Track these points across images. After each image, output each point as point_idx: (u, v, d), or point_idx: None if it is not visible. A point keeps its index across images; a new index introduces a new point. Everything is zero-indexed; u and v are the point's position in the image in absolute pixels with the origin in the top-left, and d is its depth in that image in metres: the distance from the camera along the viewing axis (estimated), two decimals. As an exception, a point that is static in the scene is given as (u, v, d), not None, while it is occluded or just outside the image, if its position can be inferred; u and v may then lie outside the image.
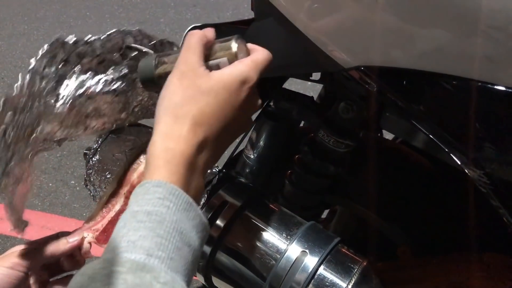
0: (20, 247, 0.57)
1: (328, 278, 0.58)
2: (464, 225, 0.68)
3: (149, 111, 0.70)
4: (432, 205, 0.74)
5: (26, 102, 0.53)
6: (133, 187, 0.63)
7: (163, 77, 0.48)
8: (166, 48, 0.63)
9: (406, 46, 0.47)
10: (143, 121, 0.74)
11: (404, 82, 0.48)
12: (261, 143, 0.75)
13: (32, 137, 0.54)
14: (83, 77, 0.57)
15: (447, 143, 0.46)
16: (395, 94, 0.49)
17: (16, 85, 0.52)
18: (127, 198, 0.63)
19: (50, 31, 3.62)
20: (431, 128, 0.48)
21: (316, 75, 0.71)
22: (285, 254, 0.59)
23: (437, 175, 0.76)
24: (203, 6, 3.73)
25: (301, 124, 0.82)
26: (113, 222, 0.61)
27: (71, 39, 0.55)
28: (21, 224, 0.57)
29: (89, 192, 0.73)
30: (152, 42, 0.61)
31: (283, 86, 0.76)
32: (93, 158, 0.69)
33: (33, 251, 0.56)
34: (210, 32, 0.50)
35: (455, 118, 0.47)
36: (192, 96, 0.45)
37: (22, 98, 0.52)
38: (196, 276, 0.65)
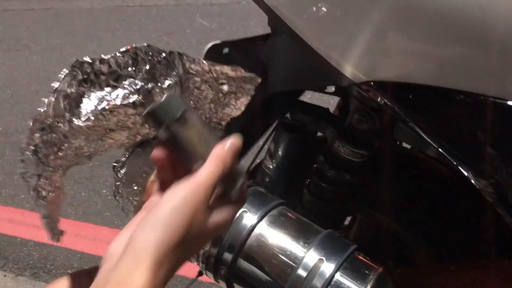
0: (68, 277, 0.57)
1: (345, 285, 0.59)
2: (483, 232, 0.68)
3: None
4: (451, 212, 0.75)
5: (52, 122, 0.57)
6: (155, 198, 0.66)
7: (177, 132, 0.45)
8: (177, 60, 0.66)
9: (414, 63, 0.49)
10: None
11: (411, 96, 0.50)
12: (279, 153, 0.77)
13: (60, 153, 0.58)
14: (102, 93, 0.62)
15: (454, 154, 0.48)
16: (403, 108, 0.51)
17: (43, 107, 0.56)
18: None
19: (82, 44, 3.76)
20: (439, 140, 0.50)
21: (331, 87, 0.73)
22: (303, 261, 0.61)
23: (455, 182, 0.77)
24: (228, 16, 3.79)
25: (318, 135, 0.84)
26: None
27: (87, 59, 0.60)
28: (57, 233, 0.61)
29: (117, 204, 0.77)
30: (162, 55, 0.64)
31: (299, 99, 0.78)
32: (121, 171, 0.72)
33: (82, 280, 0.58)
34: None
35: (460, 130, 0.49)
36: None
37: (48, 118, 0.57)
38: (218, 282, 0.68)
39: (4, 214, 1.89)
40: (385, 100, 0.52)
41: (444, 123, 0.50)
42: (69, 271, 1.59)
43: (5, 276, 1.61)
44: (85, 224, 1.78)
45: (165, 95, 0.48)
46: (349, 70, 0.55)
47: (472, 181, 0.47)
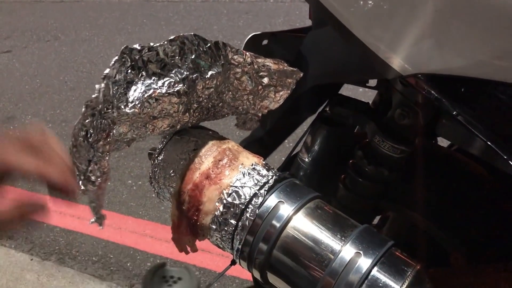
0: None
1: (381, 280, 0.59)
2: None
3: (208, 113, 0.74)
4: (488, 213, 0.73)
5: (102, 108, 0.58)
6: (195, 185, 0.67)
7: None
8: (221, 50, 0.66)
9: (465, 55, 0.48)
10: (204, 124, 0.79)
11: (462, 89, 0.49)
12: (316, 147, 0.77)
13: (109, 138, 0.59)
14: (149, 81, 0.62)
15: (505, 149, 0.47)
16: (452, 101, 0.50)
17: (95, 93, 0.57)
18: (190, 196, 0.67)
19: (110, 37, 3.81)
20: (488, 134, 0.49)
21: (372, 81, 0.73)
22: (339, 255, 0.61)
23: (493, 183, 0.75)
24: (255, 13, 3.80)
25: (355, 130, 0.84)
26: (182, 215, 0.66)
27: (137, 46, 0.60)
28: (101, 217, 0.62)
29: (153, 189, 0.77)
30: (208, 45, 0.65)
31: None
32: (158, 158, 0.73)
33: None
34: None
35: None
36: None
37: (99, 104, 0.58)
38: (251, 272, 0.68)
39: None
40: (434, 93, 0.51)
41: (495, 117, 0.49)
42: (94, 258, 1.61)
43: (31, 259, 1.64)
44: (111, 213, 1.81)
45: None
46: (397, 62, 0.54)
47: (523, 177, 0.46)
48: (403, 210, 0.79)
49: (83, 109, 0.55)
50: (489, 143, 0.49)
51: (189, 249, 0.69)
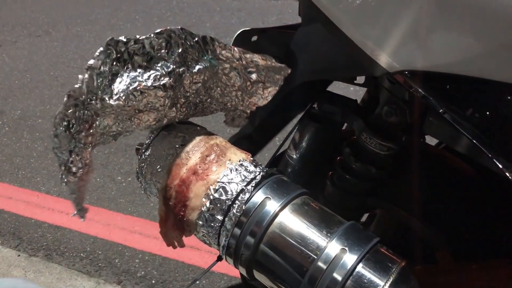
0: None
1: (366, 276, 0.59)
2: (505, 232, 0.68)
3: (196, 108, 0.73)
4: (474, 211, 0.74)
5: (85, 99, 0.58)
6: (182, 180, 0.67)
7: None
8: (209, 45, 0.65)
9: (451, 52, 0.48)
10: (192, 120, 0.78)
11: (448, 87, 0.49)
12: (304, 144, 0.77)
13: (91, 130, 0.59)
14: (134, 73, 0.62)
15: (489, 147, 0.47)
16: (438, 98, 0.50)
17: (77, 83, 0.57)
18: (176, 191, 0.66)
19: (101, 33, 3.78)
20: (474, 132, 0.49)
21: (361, 79, 0.73)
22: (325, 251, 0.61)
23: (479, 181, 0.76)
24: (248, 11, 3.79)
25: (343, 127, 0.84)
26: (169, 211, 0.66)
27: (123, 38, 0.60)
28: (82, 210, 0.62)
29: (140, 184, 0.77)
30: (195, 39, 0.64)
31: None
32: (146, 153, 0.73)
33: None
34: None
35: (498, 121, 0.48)
36: None
37: (82, 95, 0.57)
38: (237, 268, 0.68)
39: (20, 195, 1.91)
40: (420, 90, 0.51)
41: (481, 114, 0.49)
42: (82, 254, 1.60)
43: (19, 256, 1.63)
44: (99, 209, 1.79)
45: None
46: (384, 59, 0.54)
47: (507, 174, 0.46)
48: (390, 208, 0.79)
49: (65, 99, 0.55)
50: (474, 141, 0.50)
51: (176, 243, 0.69)
